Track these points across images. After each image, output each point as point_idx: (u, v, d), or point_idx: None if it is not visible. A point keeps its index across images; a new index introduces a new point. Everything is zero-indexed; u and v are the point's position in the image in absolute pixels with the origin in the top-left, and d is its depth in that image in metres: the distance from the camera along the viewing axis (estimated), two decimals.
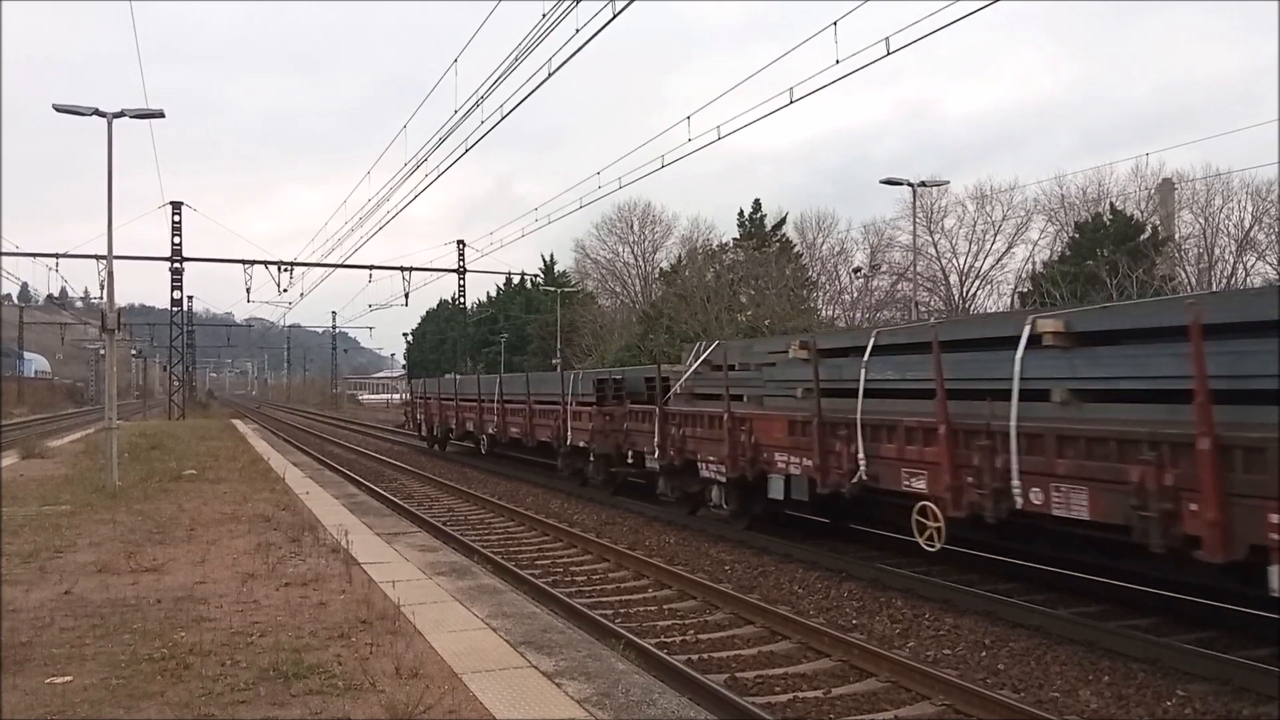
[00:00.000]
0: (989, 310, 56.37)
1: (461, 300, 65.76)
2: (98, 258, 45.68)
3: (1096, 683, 7.91)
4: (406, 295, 54.99)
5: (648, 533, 16.20)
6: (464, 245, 60.73)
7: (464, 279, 61.56)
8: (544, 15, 16.32)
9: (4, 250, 51.29)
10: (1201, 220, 45.88)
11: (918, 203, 60.53)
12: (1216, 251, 44.41)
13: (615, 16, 15.16)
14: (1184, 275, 44.36)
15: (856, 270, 57.62)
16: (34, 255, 47.85)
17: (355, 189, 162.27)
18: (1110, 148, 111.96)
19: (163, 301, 62.22)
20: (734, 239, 61.76)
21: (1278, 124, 61.55)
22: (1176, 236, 45.65)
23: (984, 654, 8.81)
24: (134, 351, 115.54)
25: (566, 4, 15.56)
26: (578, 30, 15.78)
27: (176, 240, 51.84)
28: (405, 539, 11.95)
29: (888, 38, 14.53)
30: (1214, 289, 43.87)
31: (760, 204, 61.32)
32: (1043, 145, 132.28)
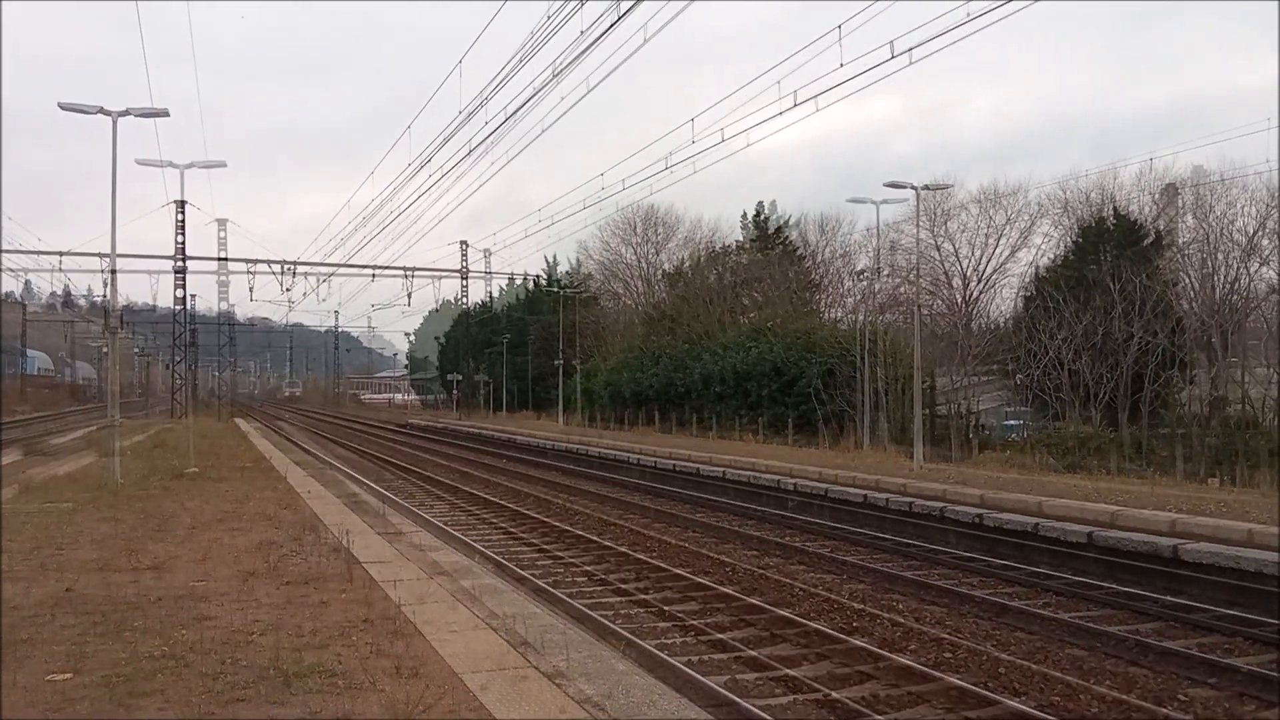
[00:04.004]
0: (994, 313, 56.21)
1: (464, 301, 65.84)
2: (100, 255, 45.82)
3: (1099, 685, 7.89)
4: (409, 296, 55.15)
5: (649, 534, 16.20)
6: (467, 246, 60.81)
7: (467, 280, 61.65)
8: (549, 16, 16.39)
9: (7, 248, 51.37)
10: (1205, 225, 45.61)
11: (922, 206, 60.41)
12: (1220, 256, 44.18)
13: (620, 19, 15.22)
14: (1188, 280, 44.10)
15: (861, 272, 57.52)
16: (38, 253, 48.01)
17: (358, 189, 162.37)
18: (1123, 154, 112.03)
19: (167, 300, 62.24)
20: (738, 241, 61.76)
21: (1277, 129, 61.23)
22: (1179, 241, 45.46)
23: (985, 658, 8.79)
24: (137, 350, 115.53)
25: (571, 4, 15.60)
26: (582, 32, 15.84)
27: (180, 239, 51.97)
28: (406, 538, 11.93)
29: (891, 41, 14.60)
30: (1217, 294, 43.70)
31: (764, 207, 61.27)
32: (1055, 153, 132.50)
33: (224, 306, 54.10)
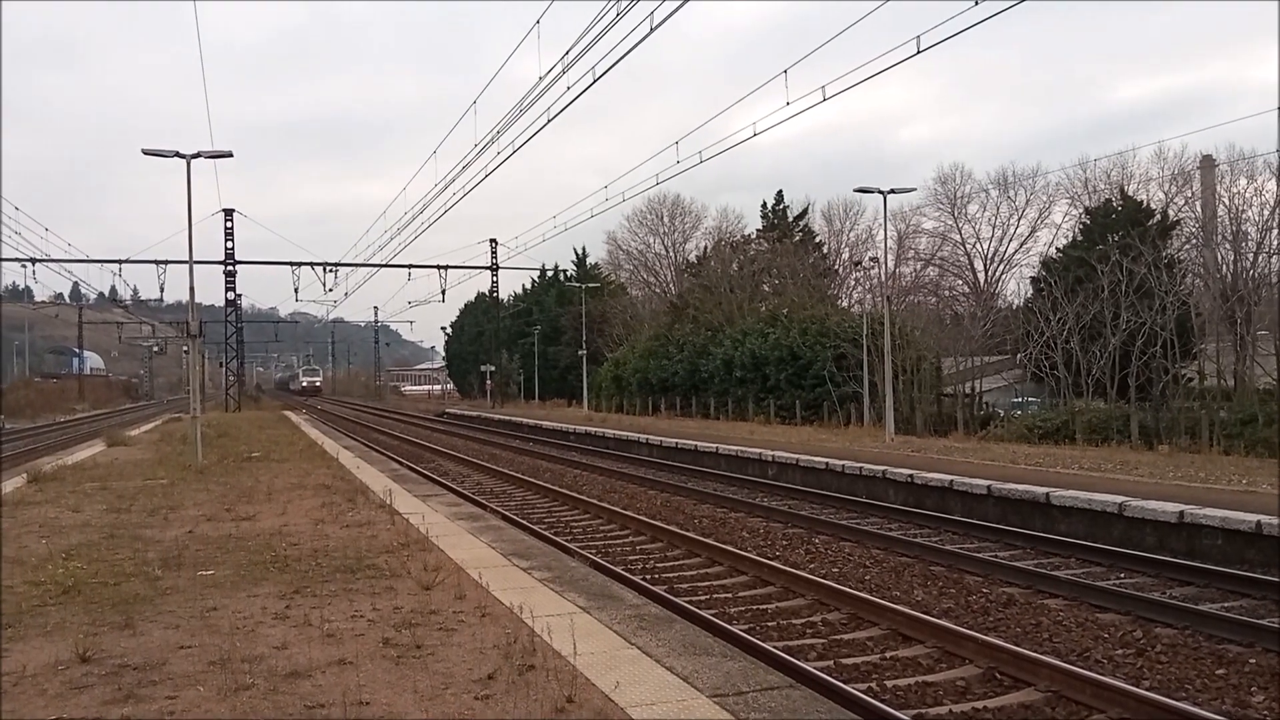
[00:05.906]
0: (1012, 293, 57.87)
1: (495, 295, 69.14)
2: (157, 262, 49.59)
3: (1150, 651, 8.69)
4: (443, 292, 58.41)
5: (642, 499, 19.25)
6: (496, 244, 64.03)
7: (497, 275, 64.89)
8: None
9: (74, 258, 55.24)
10: (1225, 201, 45.57)
11: (941, 190, 62.72)
12: (1249, 230, 43.27)
13: (652, 32, 16.55)
14: (1219, 257, 43.06)
15: (873, 259, 59.87)
16: (101, 261, 51.84)
17: (395, 199, 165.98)
18: (1130, 142, 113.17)
19: (212, 298, 66.09)
20: (757, 230, 64.25)
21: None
22: (1196, 215, 45.91)
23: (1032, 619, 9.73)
24: (185, 349, 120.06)
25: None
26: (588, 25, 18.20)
27: (229, 245, 55.69)
28: (436, 499, 15.07)
29: (918, 36, 15.51)
30: (1223, 272, 44.11)
31: (783, 195, 63.60)
32: (1064, 145, 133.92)
33: (230, 297, 57.58)
